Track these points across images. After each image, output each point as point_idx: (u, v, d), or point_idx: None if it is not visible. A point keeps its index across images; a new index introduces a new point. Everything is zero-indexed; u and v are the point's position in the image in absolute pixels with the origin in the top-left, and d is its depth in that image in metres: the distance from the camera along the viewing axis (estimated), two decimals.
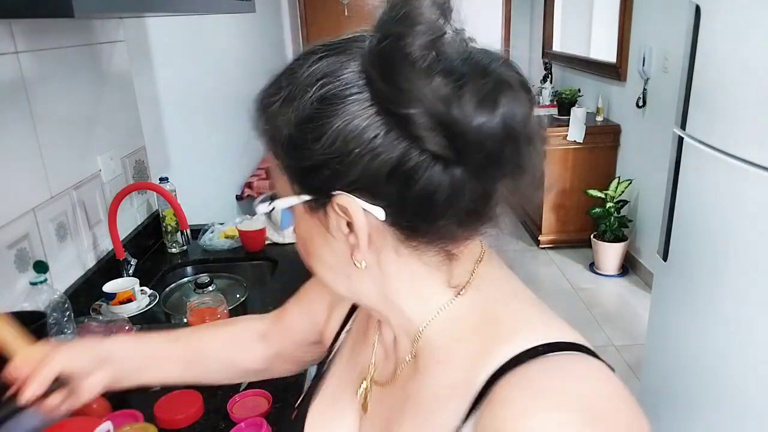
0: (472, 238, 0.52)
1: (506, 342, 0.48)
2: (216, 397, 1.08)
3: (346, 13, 6.04)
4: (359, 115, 0.44)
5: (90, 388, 0.71)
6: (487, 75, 0.44)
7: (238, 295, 1.58)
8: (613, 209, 3.43)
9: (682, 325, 1.70)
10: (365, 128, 0.44)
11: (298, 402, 0.70)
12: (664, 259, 1.79)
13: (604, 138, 3.72)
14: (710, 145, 1.52)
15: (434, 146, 0.43)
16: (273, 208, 0.52)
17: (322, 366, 0.70)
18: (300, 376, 1.14)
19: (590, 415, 0.43)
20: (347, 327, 0.69)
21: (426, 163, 0.44)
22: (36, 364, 0.68)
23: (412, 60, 0.43)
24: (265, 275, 1.73)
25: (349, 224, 0.48)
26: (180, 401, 1.04)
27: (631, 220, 3.53)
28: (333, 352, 0.69)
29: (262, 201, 0.53)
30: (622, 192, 3.45)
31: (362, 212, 0.47)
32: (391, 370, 0.58)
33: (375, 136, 0.44)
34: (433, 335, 0.52)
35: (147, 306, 1.44)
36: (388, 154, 0.44)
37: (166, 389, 1.10)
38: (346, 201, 0.46)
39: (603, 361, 0.48)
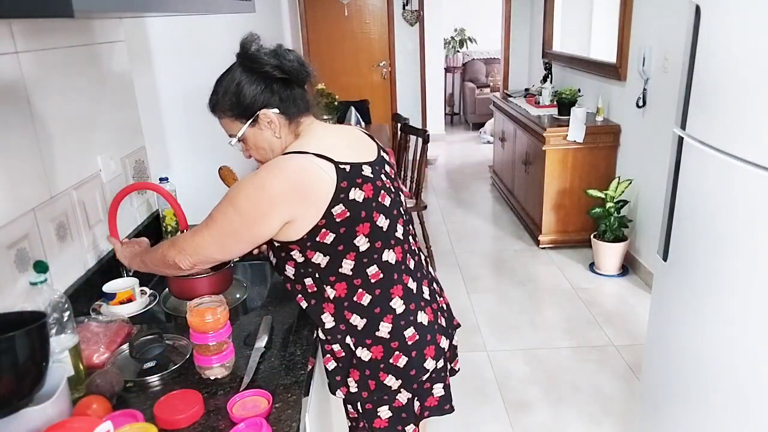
0: (306, 116, 1.28)
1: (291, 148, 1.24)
2: (216, 397, 1.08)
3: (346, 13, 6.03)
4: (250, 83, 1.21)
5: None
6: (289, 52, 1.23)
7: (238, 295, 1.58)
8: (613, 209, 3.43)
9: (682, 325, 1.70)
10: (255, 86, 1.21)
11: None
12: (664, 259, 1.79)
13: (604, 138, 3.72)
14: (710, 145, 1.52)
15: (280, 76, 1.21)
16: (237, 138, 1.25)
17: None
18: (300, 376, 1.14)
19: (255, 179, 1.16)
20: None
21: (281, 86, 1.23)
22: None
23: (256, 54, 1.21)
24: (265, 275, 1.73)
25: (269, 123, 1.22)
26: (180, 401, 1.04)
27: (631, 220, 3.53)
28: None
29: (231, 141, 1.27)
30: (622, 192, 3.45)
31: (271, 114, 1.22)
32: None
33: (259, 86, 1.21)
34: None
35: (147, 306, 1.44)
36: (267, 88, 1.22)
37: (166, 389, 1.10)
38: (264, 112, 1.22)
39: (322, 158, 1.18)
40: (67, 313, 1.08)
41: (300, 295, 1.28)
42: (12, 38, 1.19)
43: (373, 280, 1.24)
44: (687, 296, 1.67)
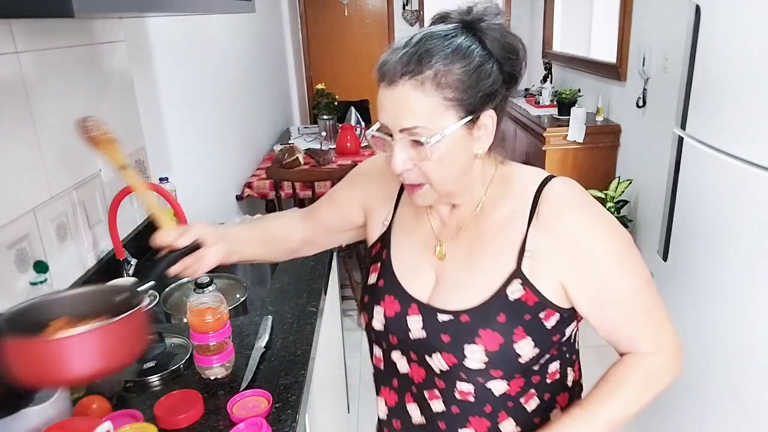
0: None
1: (532, 177, 0.88)
2: (216, 397, 1.08)
3: (346, 13, 6.03)
4: (492, 68, 0.80)
5: (213, 255, 0.92)
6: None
7: (238, 295, 1.58)
8: (613, 209, 3.43)
9: (682, 325, 1.70)
10: (497, 76, 0.80)
11: (376, 274, 0.98)
12: (664, 259, 1.79)
13: (604, 138, 3.72)
14: (710, 145, 1.52)
15: (515, 75, 0.84)
16: (442, 136, 0.78)
17: (384, 247, 0.99)
18: (300, 376, 1.14)
19: (602, 215, 0.85)
20: (387, 223, 1.00)
21: (507, 89, 0.83)
22: (180, 230, 0.90)
23: (510, 39, 0.82)
24: (265, 275, 1.73)
25: (485, 131, 0.82)
26: (180, 401, 1.04)
27: (631, 220, 3.53)
28: (384, 240, 0.99)
29: (425, 142, 0.78)
30: (622, 192, 3.45)
31: (494, 120, 0.82)
32: (454, 228, 0.92)
33: (498, 77, 0.80)
34: (493, 191, 0.89)
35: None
36: (502, 85, 0.81)
37: (166, 389, 1.11)
38: (490, 113, 0.81)
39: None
40: None
41: (533, 391, 0.89)
42: (12, 38, 1.19)
43: None
44: (687, 296, 1.67)
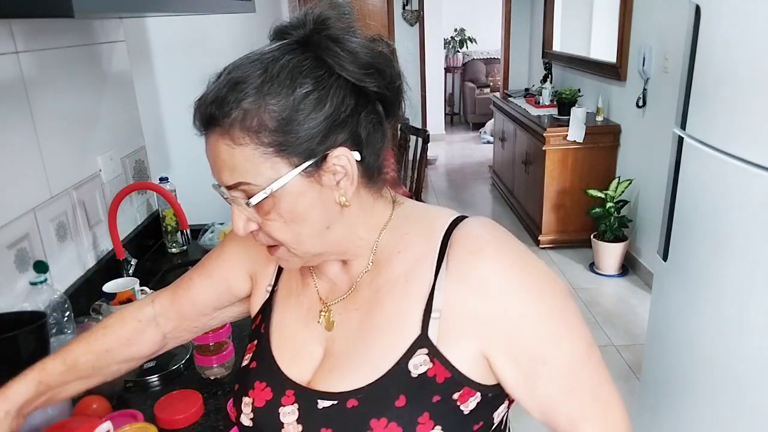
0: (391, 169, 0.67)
1: (439, 218, 0.70)
2: (216, 397, 1.08)
3: None
4: (334, 92, 0.62)
5: None
6: (393, 53, 0.72)
7: None
8: (613, 209, 3.43)
9: (682, 325, 1.70)
10: (341, 99, 0.62)
11: (251, 353, 0.79)
12: (664, 259, 1.79)
13: (604, 138, 3.72)
14: (710, 145, 1.52)
15: (386, 94, 0.67)
16: (267, 194, 0.61)
17: (263, 319, 0.80)
18: None
19: (529, 262, 0.66)
20: (270, 288, 0.81)
21: (373, 112, 0.65)
22: None
23: (362, 52, 0.67)
24: None
25: (343, 174, 0.63)
26: (180, 401, 1.04)
27: (631, 220, 3.53)
28: (265, 311, 0.80)
29: (247, 203, 0.63)
30: (622, 192, 3.45)
31: (349, 158, 0.62)
32: (345, 289, 0.74)
33: (348, 99, 0.63)
34: (387, 239, 0.70)
35: None
36: (357, 110, 0.63)
37: (166, 389, 1.11)
38: (341, 150, 0.62)
39: None
40: (67, 313, 1.09)
41: None
42: (12, 38, 1.19)
43: None
44: (687, 296, 1.67)
